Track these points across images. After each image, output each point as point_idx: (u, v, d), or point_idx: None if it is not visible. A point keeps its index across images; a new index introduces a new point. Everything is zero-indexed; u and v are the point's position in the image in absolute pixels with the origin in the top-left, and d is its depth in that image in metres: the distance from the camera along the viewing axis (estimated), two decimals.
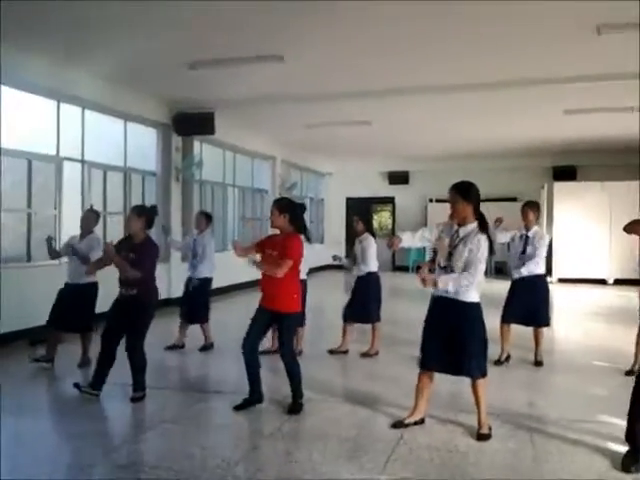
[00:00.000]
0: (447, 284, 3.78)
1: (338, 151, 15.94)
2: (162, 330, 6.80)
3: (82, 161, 8.61)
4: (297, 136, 13.61)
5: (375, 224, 20.30)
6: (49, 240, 5.92)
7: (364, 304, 6.34)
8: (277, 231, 4.63)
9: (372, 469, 3.46)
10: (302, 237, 4.64)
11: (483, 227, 3.90)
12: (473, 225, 3.90)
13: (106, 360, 4.79)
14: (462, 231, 3.90)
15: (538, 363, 5.96)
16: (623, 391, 3.83)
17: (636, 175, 14.12)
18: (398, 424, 4.11)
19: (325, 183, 18.62)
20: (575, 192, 14.05)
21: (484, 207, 3.99)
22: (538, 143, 14.12)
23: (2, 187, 7.34)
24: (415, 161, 16.93)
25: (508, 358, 5.99)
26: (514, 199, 16.31)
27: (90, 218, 6.04)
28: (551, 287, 13.64)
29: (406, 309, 9.10)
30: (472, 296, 3.90)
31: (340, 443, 3.87)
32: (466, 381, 4.04)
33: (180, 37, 6.62)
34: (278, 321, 4.49)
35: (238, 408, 4.50)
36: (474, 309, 3.92)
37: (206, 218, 6.91)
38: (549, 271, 13.83)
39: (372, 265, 6.33)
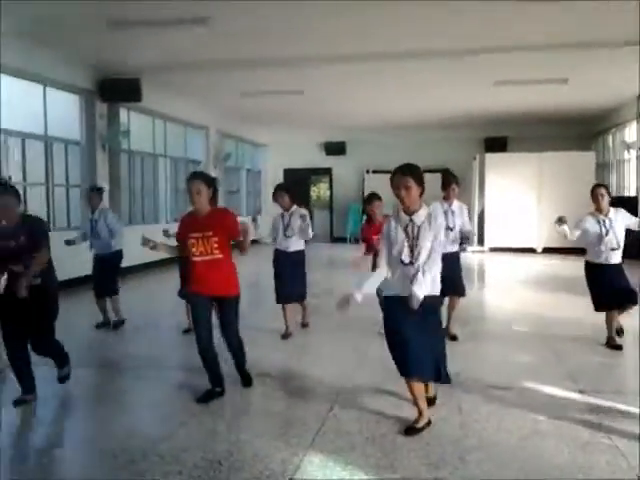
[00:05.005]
0: (420, 296, 3.34)
1: (274, 121, 15.66)
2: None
3: None
4: (231, 105, 13.26)
5: (313, 195, 20.23)
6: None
7: (302, 281, 6.06)
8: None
9: (299, 444, 3.41)
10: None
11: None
12: (425, 210, 3.53)
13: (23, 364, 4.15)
14: (416, 219, 3.49)
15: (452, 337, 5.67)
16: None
17: (564, 146, 14.58)
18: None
19: (262, 154, 18.29)
20: (506, 163, 14.35)
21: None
22: (469, 114, 14.31)
23: None
24: (351, 131, 16.86)
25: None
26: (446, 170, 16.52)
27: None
28: (483, 256, 13.88)
29: (344, 279, 9.09)
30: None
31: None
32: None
33: None
34: (220, 304, 4.17)
35: (201, 400, 4.10)
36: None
37: (98, 194, 6.66)
38: (481, 240, 14.20)
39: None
